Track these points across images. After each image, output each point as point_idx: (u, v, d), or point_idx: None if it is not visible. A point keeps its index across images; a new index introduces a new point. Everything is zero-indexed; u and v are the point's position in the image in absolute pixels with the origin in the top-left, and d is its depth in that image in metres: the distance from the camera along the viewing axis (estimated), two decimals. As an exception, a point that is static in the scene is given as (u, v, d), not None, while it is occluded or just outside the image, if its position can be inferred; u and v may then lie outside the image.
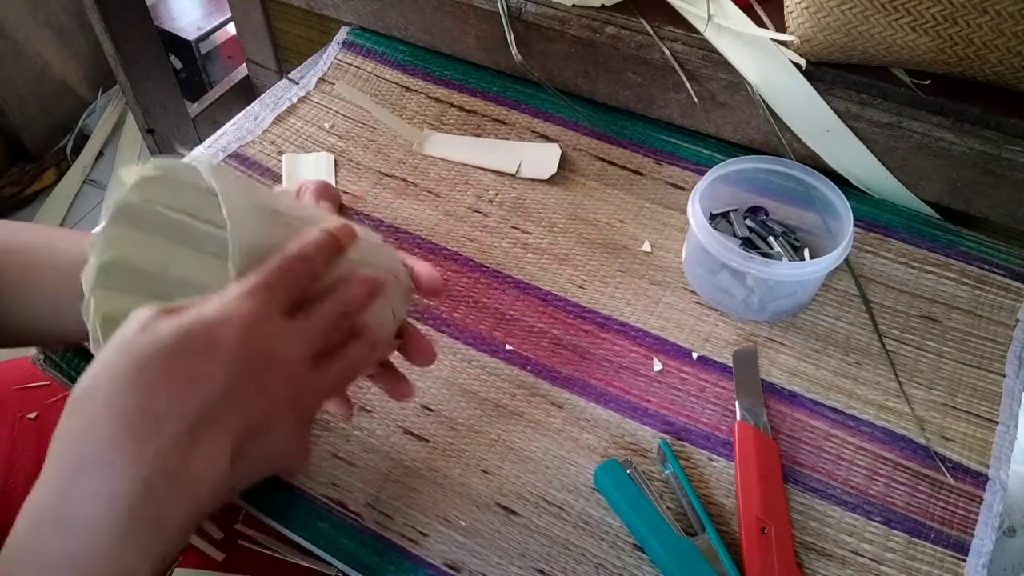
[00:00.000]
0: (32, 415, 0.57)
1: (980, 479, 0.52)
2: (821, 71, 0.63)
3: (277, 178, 0.69)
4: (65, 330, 0.47)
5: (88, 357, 0.56)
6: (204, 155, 0.35)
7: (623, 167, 0.70)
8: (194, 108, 1.27)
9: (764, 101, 0.65)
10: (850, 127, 0.63)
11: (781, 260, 0.60)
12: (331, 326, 0.36)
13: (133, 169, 0.37)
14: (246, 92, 1.21)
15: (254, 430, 0.31)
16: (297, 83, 0.79)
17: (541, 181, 0.69)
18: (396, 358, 0.48)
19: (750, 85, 0.64)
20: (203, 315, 0.30)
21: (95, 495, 0.28)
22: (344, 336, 0.38)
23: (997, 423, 0.54)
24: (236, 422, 0.30)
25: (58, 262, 0.45)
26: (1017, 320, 0.60)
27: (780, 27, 0.63)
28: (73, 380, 0.55)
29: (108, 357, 0.29)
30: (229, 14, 1.35)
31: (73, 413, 0.29)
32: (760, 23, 0.64)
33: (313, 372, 0.35)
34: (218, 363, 0.29)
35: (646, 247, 0.64)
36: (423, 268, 0.46)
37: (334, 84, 0.77)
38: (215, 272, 0.38)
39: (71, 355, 0.56)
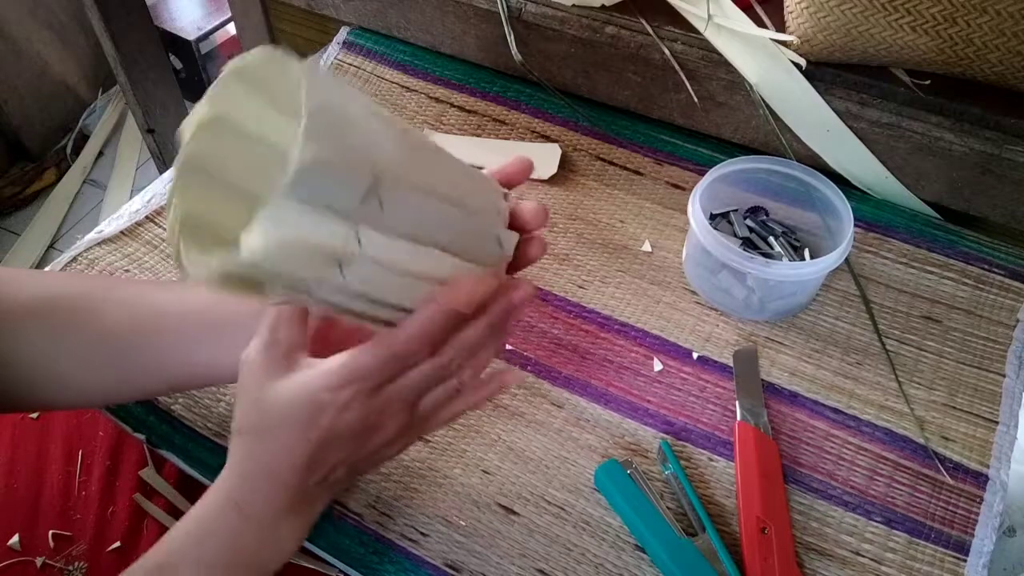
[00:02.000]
0: (34, 415, 0.57)
1: (980, 479, 0.52)
2: (821, 71, 0.63)
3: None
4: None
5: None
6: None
7: (623, 167, 0.70)
8: (194, 108, 1.27)
9: (764, 101, 0.65)
10: (850, 127, 0.63)
11: (781, 260, 0.60)
12: (424, 387, 0.38)
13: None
14: (246, 92, 1.21)
15: (366, 460, 0.40)
16: (297, 83, 0.78)
17: (541, 181, 0.69)
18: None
19: (750, 85, 0.64)
20: (312, 397, 0.37)
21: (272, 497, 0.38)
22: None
23: (997, 423, 0.54)
24: (346, 459, 0.39)
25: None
26: (1017, 320, 0.60)
27: (780, 27, 0.63)
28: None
29: (243, 413, 0.39)
30: (229, 14, 1.35)
31: (254, 440, 0.39)
32: (760, 23, 0.64)
33: (413, 412, 0.39)
34: (323, 430, 0.37)
35: (646, 247, 0.64)
36: (526, 205, 0.40)
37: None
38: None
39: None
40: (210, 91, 0.34)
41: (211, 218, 0.34)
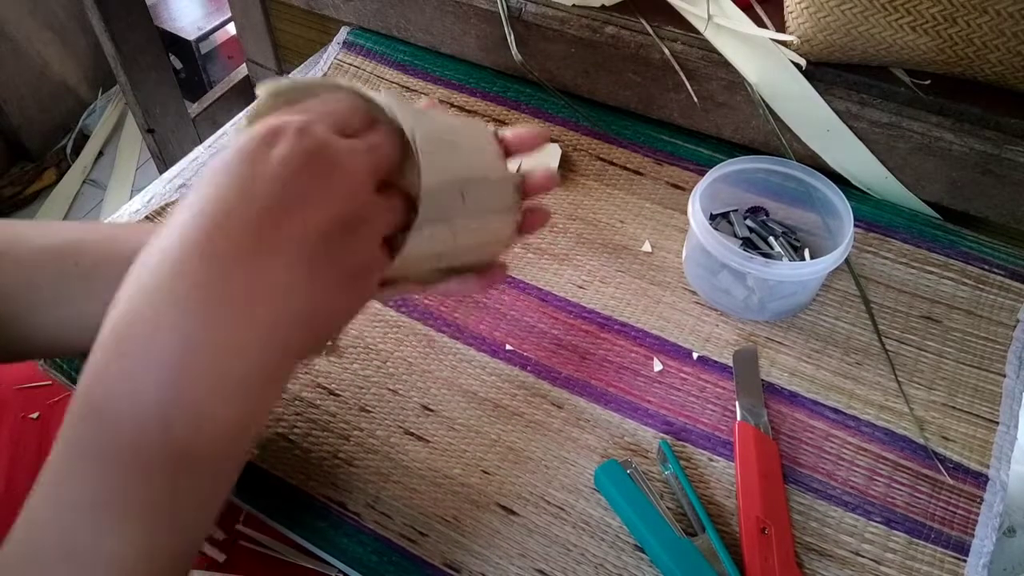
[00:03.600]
0: (34, 415, 0.57)
1: (980, 479, 0.52)
2: (821, 71, 0.63)
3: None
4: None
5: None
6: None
7: (623, 167, 0.70)
8: (194, 108, 1.27)
9: (764, 101, 0.65)
10: (850, 127, 0.63)
11: (781, 260, 0.60)
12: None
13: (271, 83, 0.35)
14: (246, 92, 1.22)
15: (324, 240, 0.29)
16: (297, 83, 0.78)
17: (541, 181, 0.69)
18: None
19: (750, 85, 0.64)
20: (249, 131, 0.29)
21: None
22: None
23: (997, 423, 0.54)
24: (298, 230, 0.28)
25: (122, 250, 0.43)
26: (1017, 320, 0.60)
27: (780, 27, 0.63)
28: (74, 380, 0.55)
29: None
30: (229, 14, 1.35)
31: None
32: (760, 23, 0.64)
33: (376, 195, 0.32)
34: (272, 168, 0.28)
35: (646, 247, 0.64)
36: (513, 133, 0.41)
37: (334, 84, 0.77)
38: None
39: (71, 355, 0.56)
40: (249, 110, 0.35)
41: None
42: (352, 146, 0.31)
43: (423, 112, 0.37)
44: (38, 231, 0.43)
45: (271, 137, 0.29)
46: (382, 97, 0.34)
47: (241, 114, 0.36)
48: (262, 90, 0.35)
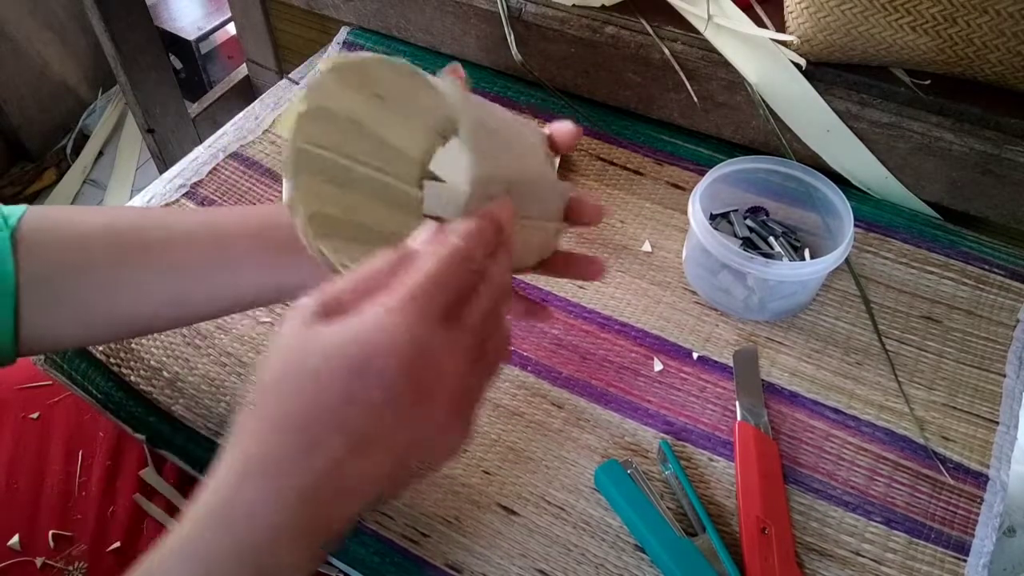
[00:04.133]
0: (34, 415, 0.57)
1: (980, 479, 0.52)
2: (821, 71, 0.63)
3: (277, 179, 0.69)
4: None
5: (88, 358, 0.56)
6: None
7: (623, 167, 0.70)
8: (194, 108, 1.27)
9: (764, 101, 0.65)
10: (850, 127, 0.63)
11: (781, 260, 0.60)
12: (488, 324, 0.32)
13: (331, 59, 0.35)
14: (246, 92, 1.21)
15: (419, 443, 0.30)
16: (297, 83, 0.79)
17: (541, 181, 0.69)
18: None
19: (750, 85, 0.64)
20: (364, 336, 0.28)
21: (262, 501, 0.28)
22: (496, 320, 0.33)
23: (997, 423, 0.54)
24: (399, 440, 0.29)
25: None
26: (1017, 320, 0.60)
27: (780, 27, 0.63)
28: (74, 380, 0.55)
29: (273, 363, 0.29)
30: (229, 14, 1.35)
31: (249, 413, 0.29)
32: (760, 23, 0.64)
33: (474, 371, 0.32)
34: (379, 389, 0.28)
35: (646, 247, 0.64)
36: (556, 127, 0.41)
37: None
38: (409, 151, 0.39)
39: (72, 355, 0.56)
40: (309, 84, 0.36)
41: (329, 211, 0.37)
42: (452, 340, 0.30)
43: (482, 104, 0.35)
44: (80, 215, 0.44)
45: (369, 354, 0.28)
46: (442, 84, 0.33)
47: (300, 87, 0.37)
48: (324, 66, 0.35)
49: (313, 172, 0.36)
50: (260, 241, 0.44)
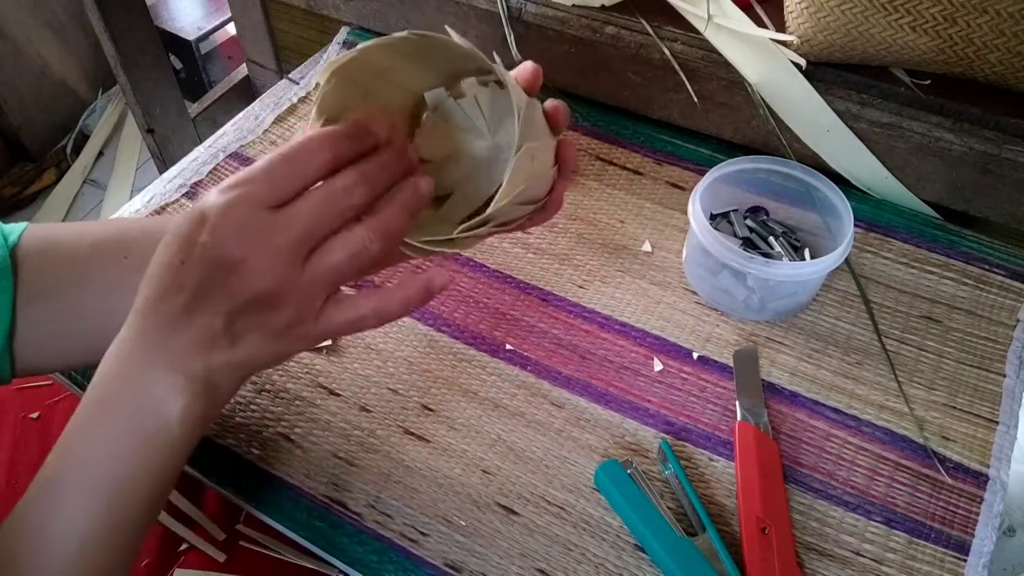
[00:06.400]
0: (34, 415, 0.57)
1: (980, 479, 0.52)
2: (821, 71, 0.63)
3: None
4: None
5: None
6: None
7: (623, 167, 0.70)
8: (194, 108, 1.27)
9: (764, 101, 0.65)
10: (850, 127, 0.63)
11: (781, 260, 0.60)
12: (319, 217, 0.36)
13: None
14: (246, 92, 1.21)
15: (244, 310, 0.36)
16: (297, 83, 0.79)
17: (541, 181, 0.69)
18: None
19: (750, 85, 0.64)
20: (194, 211, 0.35)
21: (132, 338, 0.36)
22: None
23: (997, 423, 0.54)
24: (226, 297, 0.35)
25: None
26: (1017, 320, 0.60)
27: (780, 27, 0.63)
28: (74, 380, 0.55)
29: None
30: (229, 14, 1.35)
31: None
32: (760, 23, 0.64)
33: (294, 261, 0.36)
34: (200, 249, 0.34)
35: (646, 247, 0.64)
36: (521, 68, 0.43)
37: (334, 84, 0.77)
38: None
39: (72, 355, 0.56)
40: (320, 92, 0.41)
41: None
42: (272, 224, 0.35)
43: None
44: (82, 229, 0.45)
45: (199, 223, 0.35)
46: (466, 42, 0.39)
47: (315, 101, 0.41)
48: (324, 71, 0.40)
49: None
50: None
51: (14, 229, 0.43)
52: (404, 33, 0.39)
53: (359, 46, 0.39)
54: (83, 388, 0.56)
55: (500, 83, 0.43)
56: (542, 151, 0.41)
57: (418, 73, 0.44)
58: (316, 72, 0.40)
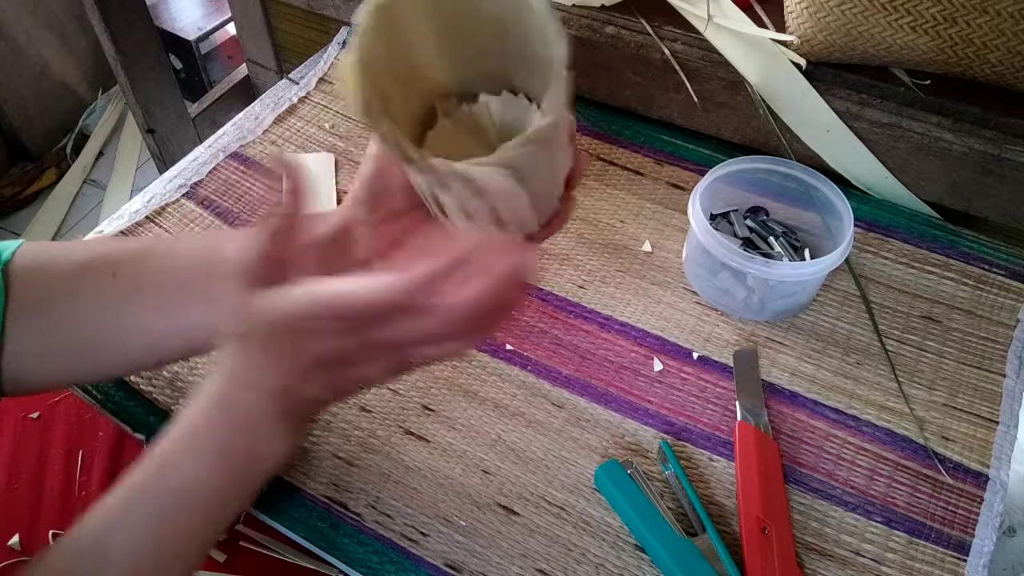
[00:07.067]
0: (34, 415, 0.57)
1: (980, 479, 0.52)
2: (821, 71, 0.63)
3: (277, 179, 0.69)
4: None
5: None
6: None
7: (623, 167, 0.70)
8: (194, 108, 1.27)
9: (764, 101, 0.65)
10: (850, 127, 0.63)
11: (781, 260, 0.60)
12: (414, 343, 0.37)
13: None
14: (246, 92, 1.21)
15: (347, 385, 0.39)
16: (297, 83, 0.79)
17: (541, 181, 0.69)
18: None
19: (750, 85, 0.64)
20: (294, 310, 0.36)
21: (246, 398, 0.37)
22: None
23: (997, 423, 0.54)
24: (324, 390, 0.38)
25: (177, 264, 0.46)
26: (1017, 320, 0.60)
27: (780, 27, 0.63)
28: (74, 380, 0.55)
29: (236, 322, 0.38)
30: (229, 14, 1.35)
31: (239, 348, 0.38)
32: (760, 23, 0.64)
33: (398, 360, 0.38)
34: (301, 361, 0.37)
35: (646, 247, 0.64)
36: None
37: (334, 84, 0.77)
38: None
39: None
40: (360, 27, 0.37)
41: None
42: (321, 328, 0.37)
43: None
44: (73, 247, 0.46)
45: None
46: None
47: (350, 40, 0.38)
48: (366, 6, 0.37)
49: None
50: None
51: (8, 246, 0.44)
52: None
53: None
54: (84, 390, 0.56)
55: (514, 91, 0.42)
56: (561, 150, 0.40)
57: (444, 63, 0.42)
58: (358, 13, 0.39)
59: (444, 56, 0.42)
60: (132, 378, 0.55)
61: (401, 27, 0.39)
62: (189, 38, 1.55)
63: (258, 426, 0.38)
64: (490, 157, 0.35)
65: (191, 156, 0.71)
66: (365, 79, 0.37)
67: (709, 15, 0.63)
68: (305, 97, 0.76)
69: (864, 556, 0.49)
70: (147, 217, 0.65)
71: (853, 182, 0.67)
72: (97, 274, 0.44)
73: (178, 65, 1.60)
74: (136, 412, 0.54)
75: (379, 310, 0.35)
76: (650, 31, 0.66)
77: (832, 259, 0.55)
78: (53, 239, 1.56)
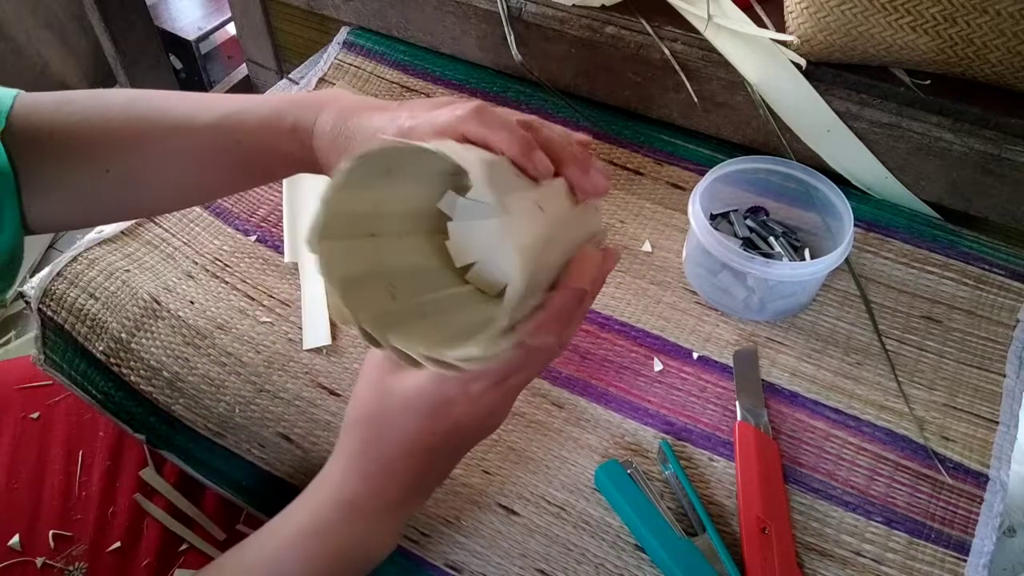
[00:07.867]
0: (34, 415, 0.58)
1: (980, 479, 0.52)
2: (821, 71, 0.63)
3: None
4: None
5: (88, 358, 0.56)
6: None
7: (623, 167, 0.70)
8: (194, 108, 1.27)
9: (764, 101, 0.65)
10: (850, 127, 0.63)
11: (781, 260, 0.60)
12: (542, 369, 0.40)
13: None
14: (246, 92, 1.22)
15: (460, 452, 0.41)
16: (297, 83, 0.79)
17: (541, 181, 0.69)
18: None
19: (750, 85, 0.64)
20: (433, 397, 0.36)
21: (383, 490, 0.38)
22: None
23: (997, 423, 0.54)
24: (453, 459, 0.41)
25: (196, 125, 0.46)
26: (1017, 320, 0.60)
27: (780, 27, 0.63)
28: (73, 380, 0.56)
29: (362, 402, 0.38)
30: (229, 14, 1.35)
31: (373, 429, 0.38)
32: (760, 23, 0.64)
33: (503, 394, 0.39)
34: (450, 426, 0.37)
35: (646, 247, 0.64)
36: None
37: (334, 84, 0.77)
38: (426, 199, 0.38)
39: (72, 355, 0.56)
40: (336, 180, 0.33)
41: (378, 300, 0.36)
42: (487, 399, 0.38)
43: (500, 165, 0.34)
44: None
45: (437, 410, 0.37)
46: (437, 145, 0.32)
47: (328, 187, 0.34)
48: (343, 165, 0.33)
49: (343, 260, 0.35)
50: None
51: (4, 100, 0.44)
52: (344, 164, 0.33)
53: (322, 198, 0.33)
54: (84, 390, 0.55)
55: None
56: (548, 197, 0.35)
57: (412, 188, 0.37)
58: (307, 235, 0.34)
59: (408, 185, 0.37)
60: (132, 378, 0.55)
61: (347, 212, 0.35)
62: (189, 38, 1.55)
63: (378, 515, 0.38)
64: (461, 353, 0.32)
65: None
66: (345, 296, 0.34)
67: (709, 15, 0.63)
68: (305, 97, 0.76)
69: (864, 556, 0.49)
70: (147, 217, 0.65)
71: (853, 182, 0.67)
72: (95, 133, 0.44)
73: (178, 65, 1.60)
74: (136, 412, 0.54)
75: (528, 357, 0.36)
76: (650, 31, 0.66)
77: (832, 259, 0.55)
78: (53, 239, 1.56)
